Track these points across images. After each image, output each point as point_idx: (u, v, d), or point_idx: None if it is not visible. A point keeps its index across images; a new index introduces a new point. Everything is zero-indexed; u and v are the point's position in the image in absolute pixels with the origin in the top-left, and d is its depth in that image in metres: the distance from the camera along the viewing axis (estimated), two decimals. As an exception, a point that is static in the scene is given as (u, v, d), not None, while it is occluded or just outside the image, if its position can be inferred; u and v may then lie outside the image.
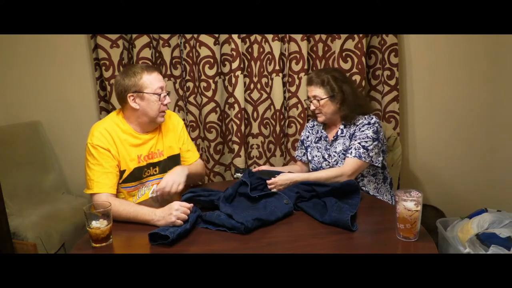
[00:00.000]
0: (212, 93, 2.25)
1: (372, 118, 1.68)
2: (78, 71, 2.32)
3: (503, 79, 2.15)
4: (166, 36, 2.16)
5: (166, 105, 1.56)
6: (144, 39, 2.19)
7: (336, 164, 1.70)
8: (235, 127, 2.25)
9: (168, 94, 1.58)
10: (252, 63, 2.23)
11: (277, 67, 2.18)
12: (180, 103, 2.30)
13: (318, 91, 1.70)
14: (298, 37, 2.13)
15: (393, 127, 2.17)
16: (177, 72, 2.24)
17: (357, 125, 1.68)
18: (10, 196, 1.95)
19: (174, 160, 1.68)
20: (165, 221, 1.27)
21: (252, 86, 2.26)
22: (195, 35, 2.17)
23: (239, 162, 2.29)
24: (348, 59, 2.14)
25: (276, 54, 2.16)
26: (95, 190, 1.45)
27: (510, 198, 2.19)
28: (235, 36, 2.15)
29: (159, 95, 1.52)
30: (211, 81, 2.23)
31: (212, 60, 2.20)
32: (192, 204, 1.33)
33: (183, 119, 2.29)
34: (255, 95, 2.28)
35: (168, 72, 2.23)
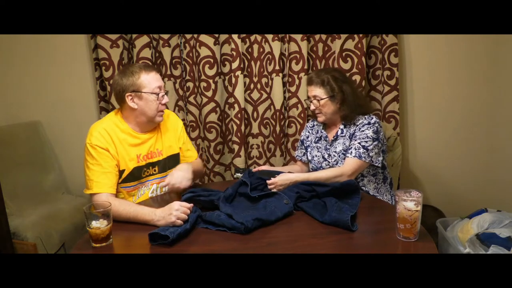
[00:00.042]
0: (212, 93, 2.25)
1: (372, 118, 1.68)
2: (78, 71, 2.32)
3: (503, 79, 2.15)
4: (166, 36, 2.16)
5: (164, 104, 1.56)
6: (144, 39, 2.19)
7: (336, 164, 1.70)
8: (235, 127, 2.25)
9: (166, 93, 1.58)
10: (252, 63, 2.23)
11: (277, 67, 2.18)
12: (180, 103, 2.30)
13: (318, 91, 1.70)
14: (298, 37, 2.13)
15: (393, 127, 2.17)
16: (177, 72, 2.24)
17: (357, 125, 1.69)
18: (10, 196, 1.95)
19: (173, 160, 1.69)
20: (165, 221, 1.27)
21: (252, 86, 2.26)
22: (195, 35, 2.17)
23: (239, 162, 2.29)
24: (348, 59, 2.14)
25: (276, 54, 2.16)
26: (95, 190, 1.45)
27: (510, 198, 2.19)
28: (235, 36, 2.15)
29: (157, 94, 1.52)
30: (211, 81, 2.23)
31: (212, 60, 2.20)
32: (192, 204, 1.33)
33: (183, 119, 2.30)
34: (255, 95, 2.28)
35: (168, 72, 2.23)
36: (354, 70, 2.13)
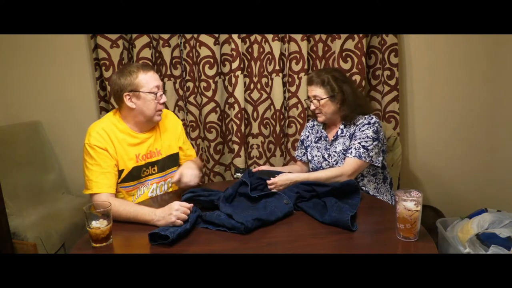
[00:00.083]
0: (212, 93, 2.25)
1: (372, 118, 1.68)
2: (78, 71, 2.32)
3: (503, 79, 2.15)
4: (166, 36, 2.17)
5: (162, 104, 1.56)
6: (144, 39, 2.19)
7: (336, 164, 1.70)
8: (235, 127, 2.25)
9: (165, 93, 1.58)
10: (252, 63, 2.23)
11: (277, 67, 2.18)
12: (180, 103, 2.30)
13: (318, 91, 1.70)
14: (298, 37, 2.13)
15: (393, 127, 2.17)
16: (177, 72, 2.24)
17: (357, 125, 1.69)
18: (10, 196, 1.95)
19: (172, 159, 1.69)
20: (165, 221, 1.27)
21: (252, 86, 2.26)
22: (195, 35, 2.17)
23: (239, 162, 2.29)
24: (348, 59, 2.14)
25: (276, 54, 2.16)
26: (94, 190, 1.45)
27: (510, 198, 2.19)
28: (235, 36, 2.15)
29: (155, 94, 1.52)
30: (211, 81, 2.23)
31: (212, 60, 2.20)
32: (192, 204, 1.33)
33: (183, 119, 2.30)
34: (255, 95, 2.28)
35: (168, 72, 2.23)
36: (354, 70, 2.13)
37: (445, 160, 2.32)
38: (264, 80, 2.25)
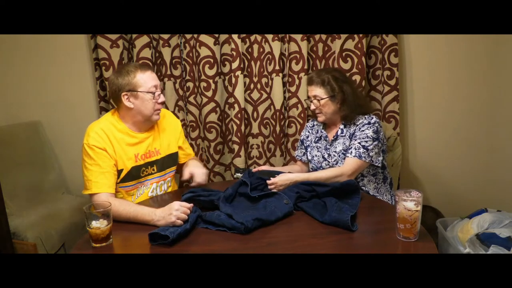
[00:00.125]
0: (212, 93, 2.25)
1: (372, 118, 1.68)
2: (78, 71, 2.32)
3: (503, 79, 2.15)
4: (166, 36, 2.16)
5: (160, 103, 1.56)
6: (144, 39, 2.19)
7: (336, 164, 1.70)
8: (235, 127, 2.25)
9: (163, 92, 1.58)
10: (252, 63, 2.23)
11: (277, 67, 2.18)
12: (180, 103, 2.30)
13: (319, 91, 1.70)
14: (298, 37, 2.13)
15: (393, 127, 2.17)
16: (177, 72, 2.24)
17: (357, 125, 1.69)
18: (10, 196, 1.95)
19: (172, 159, 1.70)
20: (165, 221, 1.27)
21: (252, 86, 2.26)
22: (195, 35, 2.17)
23: (239, 162, 2.29)
24: (348, 59, 2.14)
25: (276, 54, 2.16)
26: (94, 190, 1.45)
27: (510, 198, 2.19)
28: (235, 36, 2.15)
29: (153, 93, 1.52)
30: (211, 81, 2.23)
31: (212, 60, 2.20)
32: (192, 204, 1.33)
33: (183, 119, 2.30)
34: (255, 95, 2.28)
35: (168, 72, 2.23)
36: (354, 70, 2.13)
37: (445, 160, 2.32)
38: (264, 80, 2.25)
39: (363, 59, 2.10)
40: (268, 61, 2.21)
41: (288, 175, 1.58)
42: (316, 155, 1.81)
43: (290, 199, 1.41)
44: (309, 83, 1.74)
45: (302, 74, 2.17)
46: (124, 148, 1.54)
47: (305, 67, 2.15)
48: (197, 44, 2.18)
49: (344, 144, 1.70)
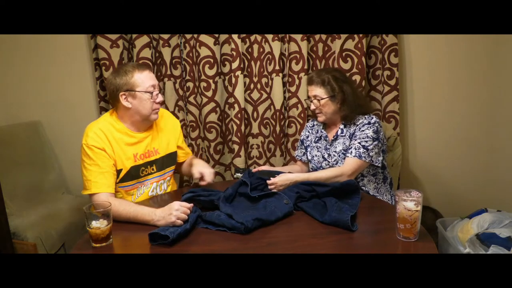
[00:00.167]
0: (212, 93, 2.25)
1: (372, 118, 1.68)
2: (78, 71, 2.32)
3: (503, 79, 2.15)
4: (166, 36, 2.16)
5: (159, 103, 1.56)
6: (144, 39, 2.18)
7: (336, 163, 1.70)
8: (235, 127, 2.25)
9: (161, 92, 1.59)
10: (252, 63, 2.23)
11: (277, 67, 2.18)
12: (180, 103, 2.30)
13: (319, 91, 1.70)
14: (298, 37, 2.13)
15: (393, 127, 2.17)
16: (177, 72, 2.24)
17: (357, 125, 1.69)
18: (10, 196, 1.95)
19: (171, 158, 1.71)
20: (165, 221, 1.27)
21: (252, 86, 2.26)
22: (195, 35, 2.17)
23: (239, 162, 2.29)
24: (348, 59, 2.14)
25: (276, 54, 2.16)
26: (93, 190, 1.45)
27: (510, 198, 2.19)
28: (235, 36, 2.15)
29: (151, 93, 1.52)
30: (211, 81, 2.23)
31: (212, 60, 2.20)
32: (192, 204, 1.33)
33: (183, 119, 2.30)
34: (255, 95, 2.28)
35: (168, 72, 2.23)
36: (354, 70, 2.13)
37: (445, 160, 2.32)
38: (264, 80, 2.25)
39: (363, 59, 2.10)
40: (268, 61, 2.21)
41: (288, 175, 1.58)
42: (316, 155, 1.81)
43: (290, 199, 1.41)
44: (309, 83, 1.74)
45: (302, 74, 2.17)
46: (123, 148, 1.54)
47: (305, 67, 2.15)
48: (197, 44, 2.18)
49: (344, 144, 1.70)
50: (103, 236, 1.20)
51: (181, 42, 2.22)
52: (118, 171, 1.53)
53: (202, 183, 1.63)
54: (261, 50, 2.20)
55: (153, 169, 1.63)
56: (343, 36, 2.11)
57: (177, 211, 1.26)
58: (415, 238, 1.14)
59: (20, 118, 2.33)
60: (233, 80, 2.19)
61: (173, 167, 1.73)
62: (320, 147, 1.80)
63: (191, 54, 2.20)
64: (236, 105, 2.21)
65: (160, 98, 1.56)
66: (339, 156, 1.70)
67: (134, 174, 1.57)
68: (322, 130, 1.81)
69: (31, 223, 1.93)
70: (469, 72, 2.19)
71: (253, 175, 1.61)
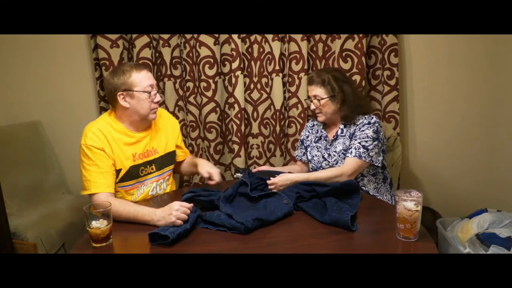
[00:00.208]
0: (212, 93, 2.25)
1: (372, 117, 1.68)
2: (78, 71, 2.32)
3: (503, 79, 2.15)
4: (166, 36, 2.16)
5: (157, 102, 1.56)
6: (144, 39, 2.18)
7: (336, 163, 1.70)
8: (235, 127, 2.25)
9: (159, 91, 1.59)
10: (252, 63, 2.23)
11: (277, 67, 2.18)
12: (180, 103, 2.30)
13: (319, 91, 1.70)
14: (298, 37, 2.13)
15: (393, 127, 2.17)
16: (177, 72, 2.24)
17: (357, 125, 1.69)
18: (10, 196, 1.95)
19: (170, 157, 1.71)
20: (165, 221, 1.27)
21: (252, 86, 2.26)
22: (195, 35, 2.17)
23: (239, 162, 2.29)
24: (348, 59, 2.14)
25: (276, 54, 2.16)
26: (93, 190, 1.45)
27: (510, 198, 2.19)
28: (235, 36, 2.15)
29: (149, 93, 1.52)
30: (211, 81, 2.23)
31: (212, 60, 2.20)
32: (192, 204, 1.33)
33: (183, 119, 2.31)
34: (255, 95, 2.28)
35: (168, 72, 2.23)
36: (354, 70, 2.13)
37: (445, 160, 2.32)
38: (264, 80, 2.25)
39: (363, 59, 2.10)
40: (268, 61, 2.21)
41: (288, 175, 1.58)
42: (316, 155, 1.81)
43: (290, 199, 1.41)
44: (309, 83, 1.74)
45: (302, 74, 2.17)
46: (121, 147, 1.54)
47: (305, 67, 2.15)
48: (197, 44, 2.18)
49: (344, 144, 1.70)
50: (103, 236, 1.20)
51: (181, 42, 2.22)
52: (118, 171, 1.53)
53: (211, 182, 1.63)
54: (261, 50, 2.20)
55: (152, 169, 1.63)
56: (343, 36, 2.11)
57: (177, 211, 1.26)
58: (415, 238, 1.14)
59: (20, 118, 2.33)
60: (233, 80, 2.19)
61: (172, 166, 1.74)
62: (320, 147, 1.80)
63: (191, 54, 2.20)
64: (236, 105, 2.21)
65: (158, 97, 1.56)
66: (339, 156, 1.70)
67: (134, 174, 1.58)
68: (322, 130, 1.81)
69: (31, 223, 1.93)
70: (469, 72, 2.18)
71: (253, 175, 1.61)
